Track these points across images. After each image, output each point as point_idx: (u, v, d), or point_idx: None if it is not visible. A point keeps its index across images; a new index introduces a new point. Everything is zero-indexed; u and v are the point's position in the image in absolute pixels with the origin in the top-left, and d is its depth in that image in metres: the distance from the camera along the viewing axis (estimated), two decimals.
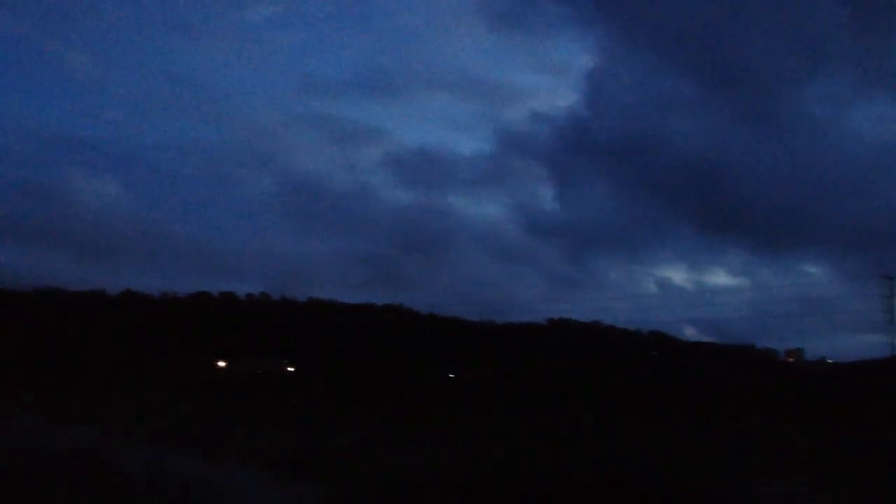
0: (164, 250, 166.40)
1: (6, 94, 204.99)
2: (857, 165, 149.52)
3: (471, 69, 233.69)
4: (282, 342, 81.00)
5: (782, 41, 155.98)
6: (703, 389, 40.18)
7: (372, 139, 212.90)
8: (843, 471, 13.86)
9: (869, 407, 27.27)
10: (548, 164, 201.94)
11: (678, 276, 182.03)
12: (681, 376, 53.70)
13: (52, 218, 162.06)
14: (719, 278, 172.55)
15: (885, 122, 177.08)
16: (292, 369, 75.29)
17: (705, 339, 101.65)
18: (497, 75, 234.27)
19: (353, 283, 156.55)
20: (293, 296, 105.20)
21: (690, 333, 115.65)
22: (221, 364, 75.11)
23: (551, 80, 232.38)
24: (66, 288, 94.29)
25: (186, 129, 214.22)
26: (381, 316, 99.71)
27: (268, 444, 19.20)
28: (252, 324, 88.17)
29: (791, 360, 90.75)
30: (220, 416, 29.16)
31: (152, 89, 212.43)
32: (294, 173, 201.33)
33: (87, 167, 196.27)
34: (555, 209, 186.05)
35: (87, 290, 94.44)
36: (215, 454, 17.41)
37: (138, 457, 17.01)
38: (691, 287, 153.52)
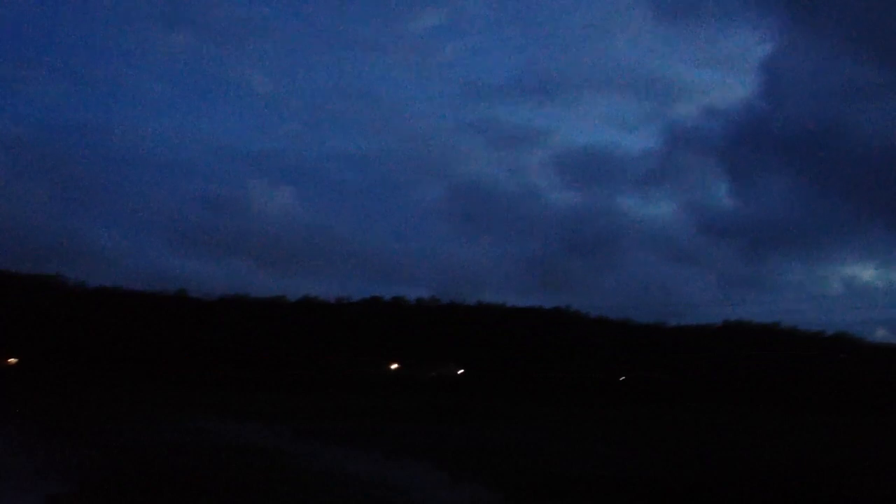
0: (339, 257, 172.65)
1: (193, 114, 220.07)
2: None
3: (637, 65, 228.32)
4: (451, 345, 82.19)
5: None
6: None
7: (537, 141, 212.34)
8: None
9: None
10: (721, 160, 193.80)
11: (866, 273, 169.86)
12: (872, 379, 50.33)
13: (236, 228, 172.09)
14: None
15: None
16: (462, 372, 76.29)
17: None
18: (665, 70, 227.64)
19: (520, 286, 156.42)
20: (462, 300, 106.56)
21: (881, 335, 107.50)
22: (394, 367, 77.17)
23: (723, 71, 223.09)
24: (249, 295, 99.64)
25: (358, 139, 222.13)
26: (549, 319, 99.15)
27: (442, 444, 19.46)
28: (422, 327, 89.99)
29: None
30: (394, 417, 29.90)
31: (325, 102, 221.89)
32: (461, 178, 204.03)
33: (266, 179, 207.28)
34: (729, 207, 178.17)
35: (269, 297, 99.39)
36: (392, 453, 17.83)
37: (319, 455, 17.65)
38: (881, 285, 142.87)
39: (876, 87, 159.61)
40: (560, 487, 12.89)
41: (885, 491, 11.87)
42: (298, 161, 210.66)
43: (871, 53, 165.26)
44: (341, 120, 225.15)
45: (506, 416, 31.39)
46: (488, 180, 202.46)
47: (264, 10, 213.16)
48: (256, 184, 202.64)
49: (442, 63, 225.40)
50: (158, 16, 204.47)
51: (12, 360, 59.76)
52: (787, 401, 39.64)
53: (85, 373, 54.16)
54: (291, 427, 24.43)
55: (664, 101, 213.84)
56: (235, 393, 44.62)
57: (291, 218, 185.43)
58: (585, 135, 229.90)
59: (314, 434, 22.31)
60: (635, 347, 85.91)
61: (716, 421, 26.22)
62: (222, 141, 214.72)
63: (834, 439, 19.70)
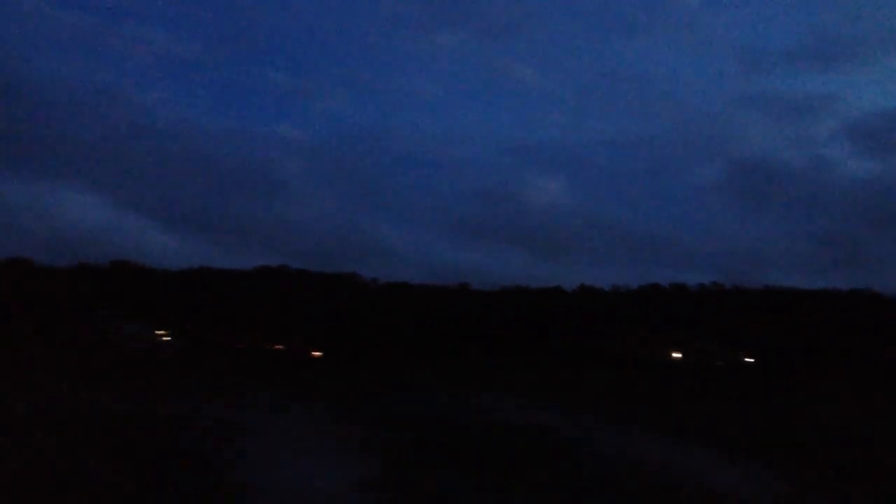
0: (614, 244, 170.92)
1: (465, 110, 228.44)
2: None
3: None
4: (737, 332, 78.19)
5: None
6: None
7: (825, 109, 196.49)
8: None
9: None
10: None
11: None
12: None
13: (512, 220, 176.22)
14: None
15: None
16: (751, 360, 72.28)
17: None
18: None
19: (811, 267, 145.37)
20: (747, 284, 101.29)
21: None
22: (676, 355, 74.80)
23: None
24: (527, 286, 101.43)
25: (628, 123, 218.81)
26: (846, 302, 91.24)
27: (729, 429, 18.43)
28: (705, 314, 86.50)
29: None
30: (674, 401, 28.88)
31: (593, 89, 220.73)
32: (741, 155, 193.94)
33: (538, 170, 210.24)
34: None
35: (546, 287, 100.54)
36: (675, 436, 17.18)
37: (604, 437, 17.37)
38: None
39: None
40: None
41: None
42: (569, 149, 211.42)
43: None
44: (610, 105, 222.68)
45: (801, 402, 29.13)
46: (771, 155, 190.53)
47: (526, 2, 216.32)
48: (529, 175, 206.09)
49: (714, 37, 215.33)
50: (426, 18, 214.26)
51: (317, 353, 65.18)
52: None
53: (377, 361, 57.88)
54: (566, 409, 24.28)
55: None
56: (517, 376, 45.22)
57: (565, 207, 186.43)
58: (880, 98, 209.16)
59: (595, 415, 22.09)
60: None
61: None
62: (495, 135, 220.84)
63: None
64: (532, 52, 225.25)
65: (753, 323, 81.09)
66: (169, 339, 64.05)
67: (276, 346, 64.66)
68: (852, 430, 19.20)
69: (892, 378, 48.34)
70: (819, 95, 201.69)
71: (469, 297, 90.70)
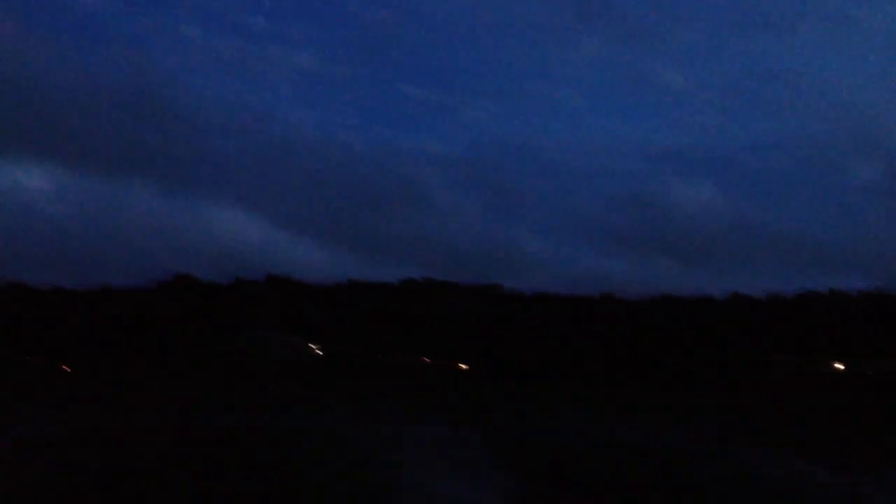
0: (767, 250, 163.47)
1: (608, 116, 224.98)
2: None
3: None
4: None
5: None
6: None
7: None
8: None
9: None
10: None
11: None
12: None
13: (657, 227, 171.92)
14: None
15: None
16: None
17: None
18: None
19: None
20: None
21: None
22: (838, 366, 70.75)
23: None
24: (675, 294, 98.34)
25: (779, 124, 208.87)
26: None
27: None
28: (867, 322, 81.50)
29: None
30: (851, 423, 27.26)
31: (741, 89, 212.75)
32: None
33: (685, 174, 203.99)
34: None
35: (696, 296, 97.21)
36: (841, 461, 16.19)
37: (776, 461, 16.56)
38: None
39: None
40: None
41: None
42: (717, 152, 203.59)
43: None
44: (759, 106, 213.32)
45: None
46: None
47: (669, 3, 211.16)
48: (675, 180, 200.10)
49: (867, 31, 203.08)
50: (566, 24, 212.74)
51: (463, 366, 65.61)
52: None
53: (523, 375, 57.65)
54: (724, 428, 23.34)
55: None
56: (659, 393, 44.00)
57: (713, 212, 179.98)
58: None
59: (754, 437, 21.12)
60: None
61: None
62: (639, 141, 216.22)
63: None
64: (676, 53, 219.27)
65: None
66: (321, 352, 65.91)
67: (424, 359, 65.49)
68: None
69: None
70: None
71: (613, 307, 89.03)
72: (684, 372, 61.13)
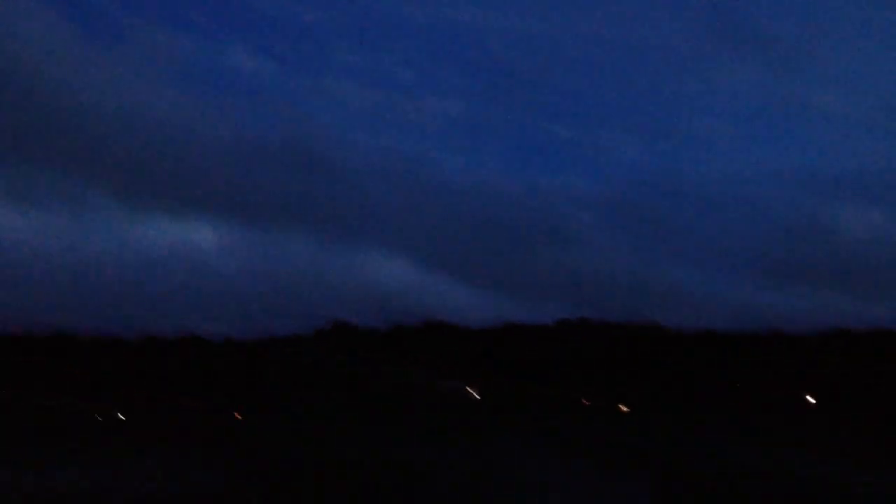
0: None
1: (762, 144, 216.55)
2: None
3: None
4: None
5: None
6: None
7: None
8: None
9: None
10: None
11: None
12: None
13: (823, 257, 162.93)
14: None
15: None
16: None
17: None
18: None
19: None
20: None
21: None
22: None
23: None
24: (848, 328, 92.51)
25: None
26: None
27: None
28: None
29: None
30: None
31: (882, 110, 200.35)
32: None
33: (848, 201, 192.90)
34: None
35: (872, 329, 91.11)
36: None
37: None
38: None
39: None
40: None
41: None
42: (883, 177, 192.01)
43: None
44: None
45: None
46: None
47: (818, 23, 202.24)
48: (839, 208, 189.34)
49: None
50: (711, 54, 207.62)
51: (624, 408, 64.02)
52: None
53: (686, 415, 55.56)
54: None
55: None
56: (842, 433, 41.30)
57: (886, 239, 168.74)
58: None
59: None
60: None
61: None
62: (796, 169, 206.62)
63: None
64: (831, 75, 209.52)
65: None
66: (479, 396, 66.01)
67: (583, 401, 64.39)
68: None
69: None
70: None
71: (782, 343, 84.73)
72: (871, 410, 57.14)
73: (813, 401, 62.33)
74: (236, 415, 57.99)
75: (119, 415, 55.89)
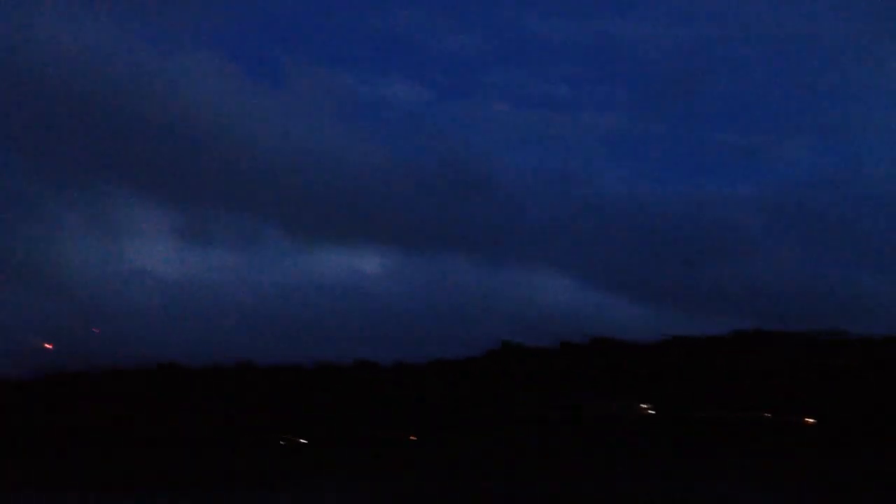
0: None
1: None
2: None
3: None
4: None
5: None
6: None
7: None
8: None
9: None
10: None
11: None
12: None
13: None
14: None
15: None
16: None
17: None
18: None
19: None
20: None
21: None
22: None
23: None
24: None
25: None
26: None
27: None
28: None
29: None
30: None
31: None
32: None
33: None
34: None
35: None
36: None
37: None
38: None
39: None
40: None
41: None
42: None
43: None
44: None
45: None
46: None
47: None
48: None
49: None
50: (877, 45, 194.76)
51: (810, 420, 60.61)
52: None
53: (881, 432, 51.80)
54: None
55: None
56: None
57: None
58: None
59: None
60: None
61: None
62: None
63: None
64: None
65: None
66: (653, 412, 64.18)
67: (764, 414, 61.29)
68: None
69: None
70: None
71: None
72: None
73: None
74: (411, 437, 58.86)
75: (300, 440, 57.90)
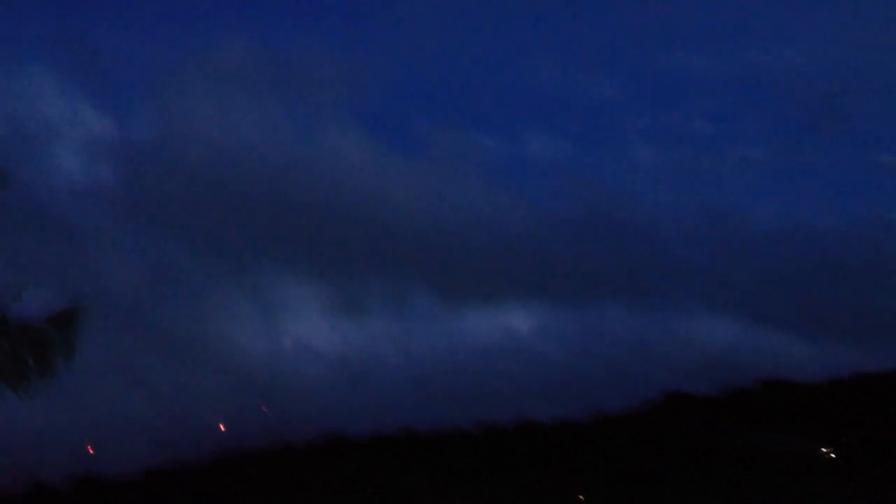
0: None
1: None
2: None
3: None
4: None
5: None
6: None
7: None
8: None
9: None
10: None
11: None
12: None
13: None
14: None
15: None
16: None
17: None
18: None
19: None
20: None
21: None
22: None
23: None
24: None
25: None
26: None
27: None
28: None
29: None
30: None
31: None
32: None
33: None
34: None
35: None
36: None
37: None
38: None
39: None
40: None
41: None
42: None
43: None
44: None
45: None
46: None
47: None
48: None
49: None
50: None
51: None
52: None
53: None
54: None
55: None
56: None
57: None
58: None
59: None
60: None
61: None
62: None
63: None
64: None
65: None
66: (834, 455, 61.17)
67: None
68: None
69: None
70: None
71: None
72: None
73: None
74: (579, 496, 57.55)
75: None
